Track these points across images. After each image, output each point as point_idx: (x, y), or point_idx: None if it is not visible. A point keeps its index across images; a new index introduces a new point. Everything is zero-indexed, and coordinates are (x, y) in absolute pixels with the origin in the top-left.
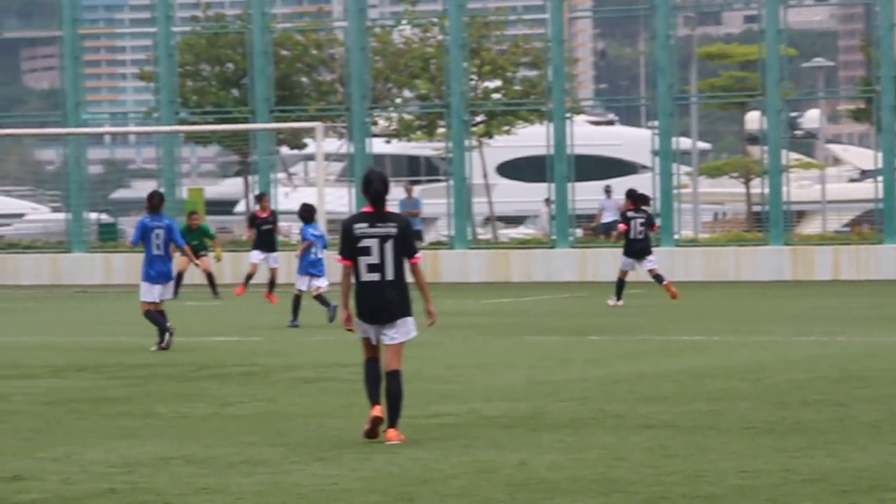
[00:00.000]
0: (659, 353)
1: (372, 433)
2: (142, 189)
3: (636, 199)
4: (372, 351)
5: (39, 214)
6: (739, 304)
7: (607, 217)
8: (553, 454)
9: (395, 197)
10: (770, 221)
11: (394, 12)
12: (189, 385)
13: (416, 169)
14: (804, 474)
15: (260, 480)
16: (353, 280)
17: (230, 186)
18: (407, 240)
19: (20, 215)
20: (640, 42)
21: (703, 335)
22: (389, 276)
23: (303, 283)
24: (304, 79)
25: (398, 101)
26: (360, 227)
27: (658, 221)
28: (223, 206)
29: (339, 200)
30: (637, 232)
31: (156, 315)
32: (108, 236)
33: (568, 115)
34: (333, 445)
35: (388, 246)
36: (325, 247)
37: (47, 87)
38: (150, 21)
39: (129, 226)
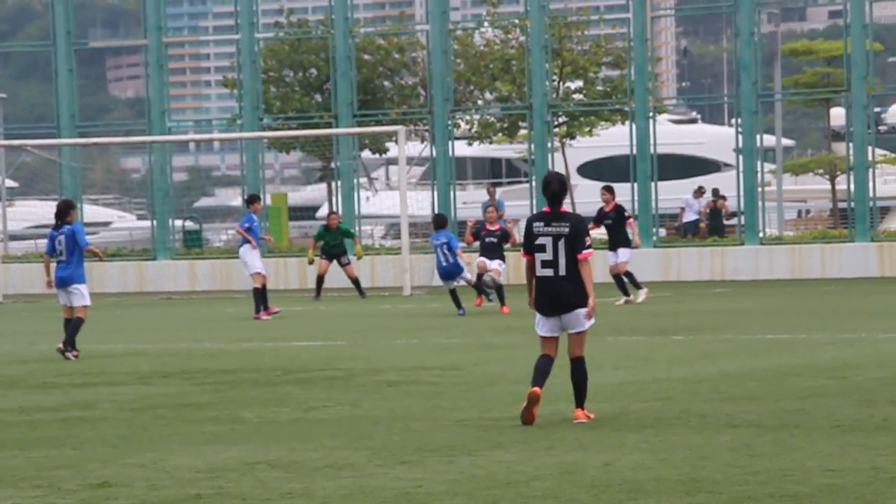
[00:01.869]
0: (743, 352)
1: (527, 413)
2: (225, 196)
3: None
4: (548, 348)
5: (125, 222)
6: (825, 302)
7: (689, 216)
8: (637, 455)
9: (478, 199)
10: (856, 218)
11: (475, 14)
12: (273, 390)
13: (497, 171)
14: (892, 472)
15: (344, 484)
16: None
17: (313, 192)
18: (577, 237)
19: (107, 223)
20: (724, 39)
21: (789, 333)
22: (562, 271)
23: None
24: (386, 83)
25: (480, 103)
26: (538, 226)
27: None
28: (306, 212)
29: (420, 204)
30: None
31: (66, 324)
32: (192, 243)
33: (651, 114)
34: (417, 449)
35: (561, 244)
36: (455, 248)
37: (132, 96)
38: (234, 28)
39: (213, 233)
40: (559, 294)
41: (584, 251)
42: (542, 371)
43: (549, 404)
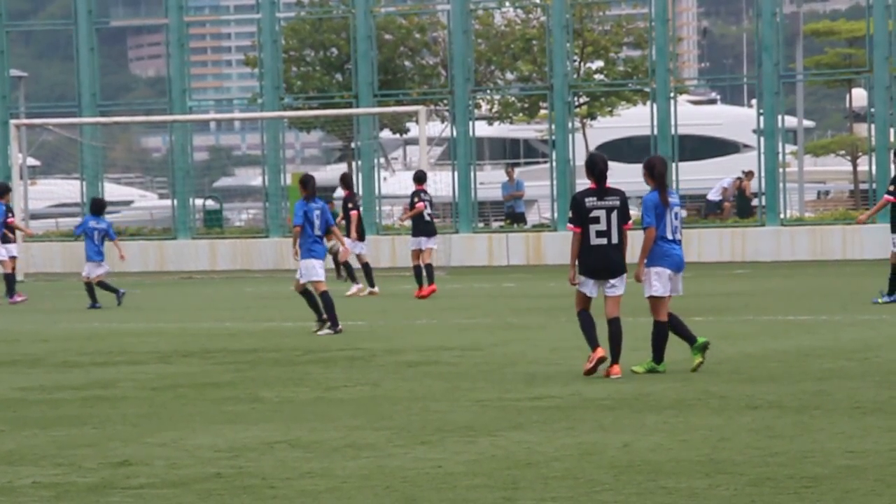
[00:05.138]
0: (764, 334)
1: (592, 371)
2: (246, 176)
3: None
4: (586, 303)
5: (147, 202)
6: (846, 283)
7: (712, 195)
8: (657, 436)
9: (496, 180)
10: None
11: None
12: (294, 370)
13: (515, 151)
14: None
15: (364, 464)
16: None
17: (333, 171)
18: (625, 209)
19: (128, 202)
20: (745, 20)
21: (810, 315)
22: (614, 240)
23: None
24: (407, 62)
25: (500, 83)
26: (591, 201)
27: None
28: (326, 191)
29: (439, 184)
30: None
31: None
32: (213, 223)
33: (672, 94)
34: (437, 429)
35: (613, 215)
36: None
37: (153, 75)
38: (255, 7)
39: (233, 212)
40: (612, 260)
41: (629, 221)
42: (593, 327)
43: (569, 385)
